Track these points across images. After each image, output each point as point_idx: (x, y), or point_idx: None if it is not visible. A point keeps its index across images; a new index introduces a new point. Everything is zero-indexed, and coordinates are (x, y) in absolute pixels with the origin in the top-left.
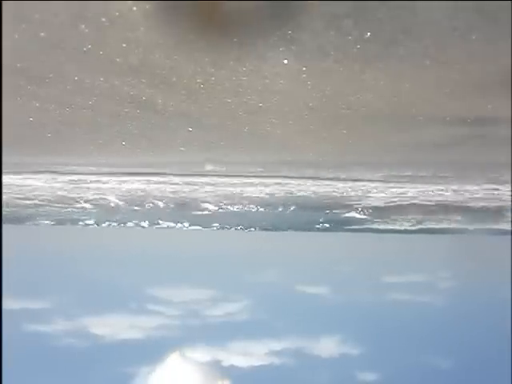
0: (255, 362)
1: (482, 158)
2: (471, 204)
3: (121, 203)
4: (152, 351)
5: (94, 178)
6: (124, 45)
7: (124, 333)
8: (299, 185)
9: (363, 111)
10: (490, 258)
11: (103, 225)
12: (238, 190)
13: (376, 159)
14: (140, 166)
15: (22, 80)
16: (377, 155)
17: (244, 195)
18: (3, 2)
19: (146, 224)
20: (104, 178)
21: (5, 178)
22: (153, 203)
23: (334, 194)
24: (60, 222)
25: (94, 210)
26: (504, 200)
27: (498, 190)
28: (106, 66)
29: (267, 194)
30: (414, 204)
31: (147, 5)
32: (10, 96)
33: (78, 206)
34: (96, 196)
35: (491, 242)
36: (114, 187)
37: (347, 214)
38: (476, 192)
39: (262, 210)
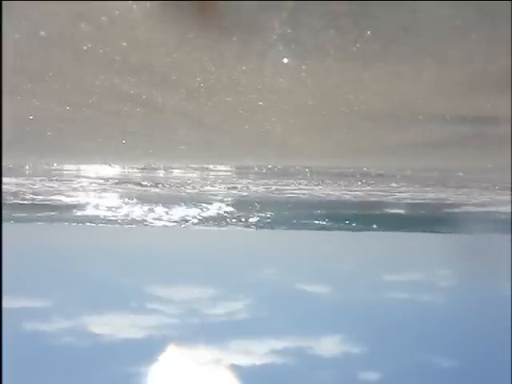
0: (256, 360)
1: (481, 157)
2: (470, 203)
3: (120, 201)
4: (152, 350)
5: (94, 175)
6: (124, 43)
7: (124, 332)
8: (298, 183)
9: (363, 110)
10: (489, 257)
11: (104, 223)
12: (239, 187)
13: (376, 158)
14: (139, 164)
15: (22, 78)
16: (376, 154)
17: (244, 193)
18: (3, 2)
19: (146, 221)
20: (104, 175)
21: (5, 177)
22: (152, 200)
23: (333, 192)
24: (60, 220)
25: (94, 208)
26: (504, 199)
27: (497, 188)
28: (105, 64)
29: (267, 192)
30: (413, 202)
31: (147, 3)
32: (11, 94)
33: (79, 203)
34: (96, 194)
35: (491, 241)
36: (114, 185)
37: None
38: (476, 191)
39: (261, 208)
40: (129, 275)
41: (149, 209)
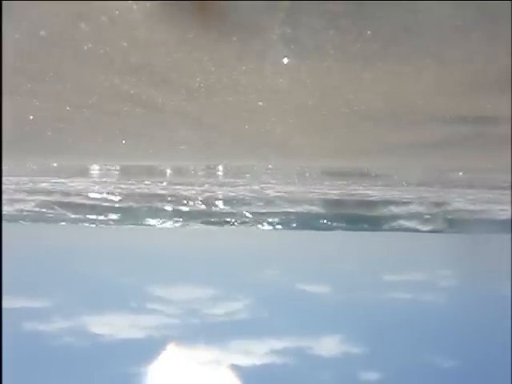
0: (256, 361)
1: (481, 157)
2: (470, 203)
3: (120, 201)
4: (152, 350)
5: (94, 175)
6: (124, 43)
7: (124, 332)
8: (298, 183)
9: (363, 110)
10: (489, 257)
11: (103, 223)
12: (239, 187)
13: (376, 158)
14: (139, 164)
15: (22, 78)
16: (376, 154)
17: (244, 193)
18: (3, 2)
19: (146, 222)
20: (104, 175)
21: (5, 177)
22: (152, 201)
23: (332, 192)
24: (60, 221)
25: (95, 209)
26: (504, 199)
27: (497, 188)
28: (105, 64)
29: (267, 192)
30: (413, 202)
31: (147, 3)
32: (11, 94)
33: (79, 204)
34: (96, 194)
35: (491, 241)
36: (113, 185)
37: (346, 213)
38: (475, 191)
39: (261, 208)
40: (129, 275)
41: (149, 209)
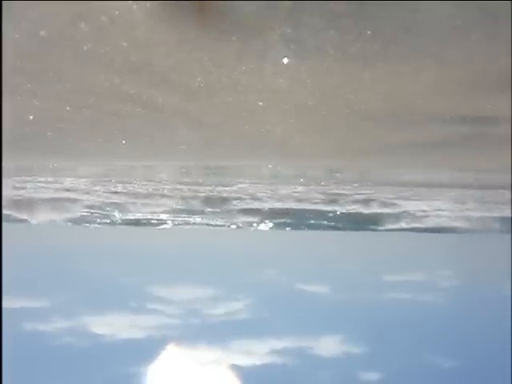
0: (256, 361)
1: (481, 157)
2: (470, 203)
3: (120, 201)
4: (152, 350)
5: (94, 175)
6: (124, 44)
7: (124, 332)
8: (297, 183)
9: (363, 110)
10: (489, 257)
11: (104, 223)
12: (238, 188)
13: (376, 158)
14: (139, 164)
15: (22, 78)
16: (376, 154)
17: (243, 193)
18: (3, 2)
19: (147, 221)
20: (104, 176)
21: (5, 178)
22: (153, 200)
23: (333, 192)
24: (60, 221)
25: (95, 209)
26: (504, 199)
27: (497, 188)
28: (105, 64)
29: (267, 192)
30: (413, 202)
31: (147, 3)
32: (11, 94)
33: (79, 204)
34: (96, 194)
35: (491, 241)
36: (113, 185)
37: (345, 213)
38: (475, 191)
39: (262, 208)
40: (129, 275)
41: (148, 208)
